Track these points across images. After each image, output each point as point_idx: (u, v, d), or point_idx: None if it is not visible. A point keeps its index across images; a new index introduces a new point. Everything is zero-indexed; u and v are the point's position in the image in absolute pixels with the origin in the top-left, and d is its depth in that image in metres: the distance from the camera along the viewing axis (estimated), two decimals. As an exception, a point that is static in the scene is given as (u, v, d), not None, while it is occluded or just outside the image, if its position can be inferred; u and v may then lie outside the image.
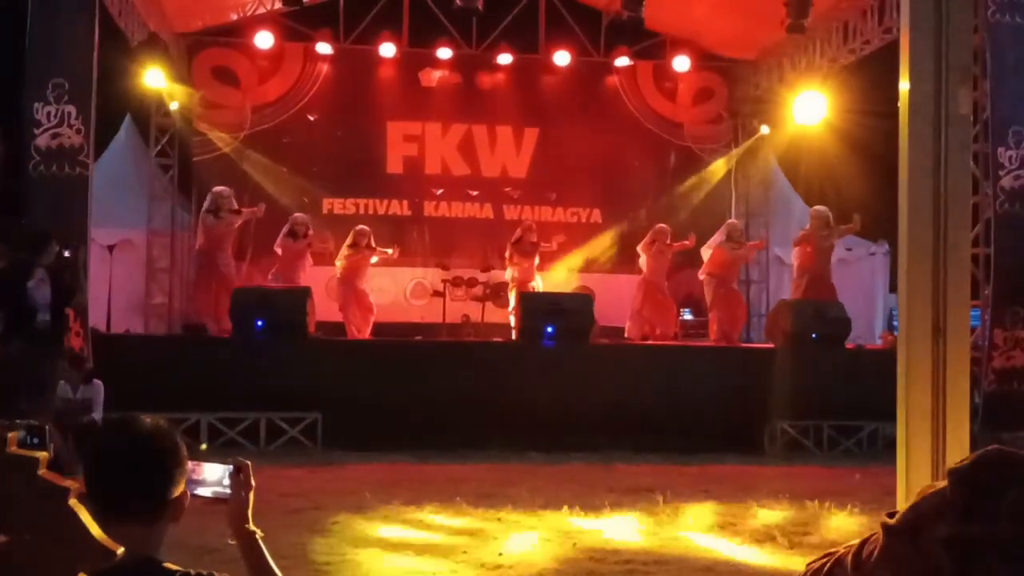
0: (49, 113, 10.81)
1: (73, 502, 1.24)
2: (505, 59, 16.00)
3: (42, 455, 1.25)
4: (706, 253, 14.14)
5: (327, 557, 6.46)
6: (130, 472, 2.15)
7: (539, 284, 14.15)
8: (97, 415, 9.29)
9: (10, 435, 1.22)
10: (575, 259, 15.64)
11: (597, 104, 16.42)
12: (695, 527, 7.64)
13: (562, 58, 16.02)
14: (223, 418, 11.01)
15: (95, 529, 1.23)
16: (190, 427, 10.55)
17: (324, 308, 13.24)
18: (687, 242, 14.13)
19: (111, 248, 14.12)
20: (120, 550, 1.27)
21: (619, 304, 14.56)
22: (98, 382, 9.81)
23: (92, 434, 8.19)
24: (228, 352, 11.79)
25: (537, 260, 14.13)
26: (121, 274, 14.30)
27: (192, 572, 2.13)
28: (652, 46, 16.41)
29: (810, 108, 15.26)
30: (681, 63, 16.21)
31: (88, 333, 10.94)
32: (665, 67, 16.41)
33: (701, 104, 16.66)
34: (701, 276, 14.03)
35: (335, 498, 8.37)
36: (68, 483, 1.25)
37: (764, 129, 16.16)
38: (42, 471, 1.23)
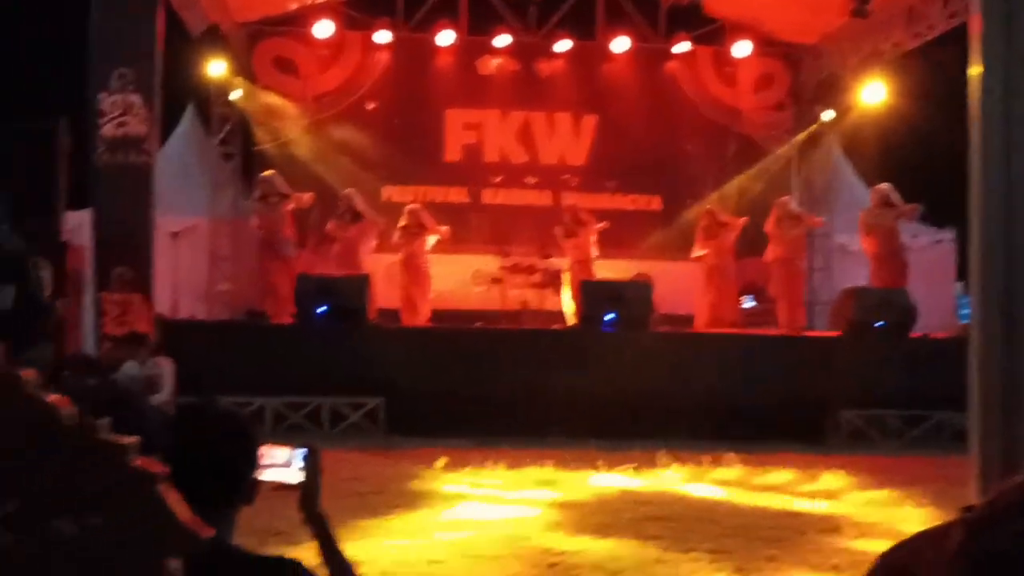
0: (114, 102, 11.00)
1: (163, 487, 1.25)
2: (563, 46, 15.93)
3: (132, 440, 1.27)
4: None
5: (390, 540, 6.51)
6: (207, 456, 2.19)
7: (597, 268, 14.08)
8: (162, 396, 9.40)
9: (101, 422, 1.24)
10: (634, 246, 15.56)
11: (656, 91, 16.30)
12: (757, 514, 7.58)
13: (621, 44, 15.91)
14: (287, 403, 11.14)
15: (184, 514, 1.25)
16: (254, 412, 10.69)
17: (384, 294, 13.33)
18: (737, 221, 14.05)
19: (175, 235, 14.30)
20: (210, 534, 1.28)
21: (678, 291, 14.45)
22: (166, 360, 9.92)
23: (169, 418, 8.27)
24: (291, 338, 11.94)
25: (593, 239, 14.02)
26: (185, 261, 14.48)
27: (282, 558, 2.16)
28: (712, 32, 16.24)
29: (874, 94, 15.04)
30: (741, 49, 16.02)
31: (154, 317, 11.14)
32: (725, 53, 16.22)
33: (762, 90, 16.45)
34: (767, 259, 13.94)
35: (397, 482, 8.44)
36: (158, 468, 1.27)
37: (827, 115, 15.92)
38: (132, 456, 1.25)
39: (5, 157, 10.71)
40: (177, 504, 1.25)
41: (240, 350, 11.65)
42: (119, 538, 1.20)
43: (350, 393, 11.29)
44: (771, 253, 13.86)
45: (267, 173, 13.80)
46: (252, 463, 2.32)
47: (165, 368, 9.61)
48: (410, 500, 7.80)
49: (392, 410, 11.26)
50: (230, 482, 2.24)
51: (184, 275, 14.41)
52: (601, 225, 14.02)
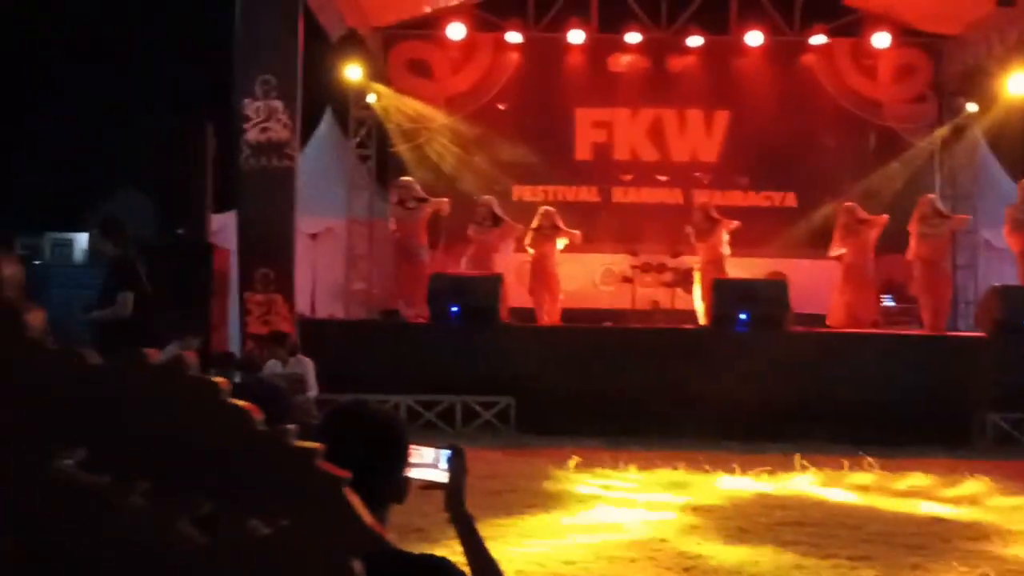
0: (258, 108, 11.39)
1: (347, 491, 1.31)
2: (695, 41, 15.76)
3: (319, 445, 1.33)
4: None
5: (525, 539, 6.57)
6: (361, 455, 2.26)
7: (729, 267, 13.89)
8: (310, 394, 9.73)
9: (290, 427, 1.30)
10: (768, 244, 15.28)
11: (791, 84, 15.99)
12: (899, 520, 7.38)
13: (754, 38, 15.67)
14: (420, 401, 11.34)
15: (367, 517, 1.30)
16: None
17: (516, 294, 13.44)
18: (879, 219, 13.65)
19: (314, 236, 14.70)
20: (387, 536, 1.33)
21: (815, 290, 14.15)
22: (306, 358, 10.25)
23: (312, 416, 8.69)
24: (424, 337, 12.14)
25: (725, 236, 13.82)
26: (323, 261, 14.87)
27: (431, 556, 2.23)
28: (849, 23, 15.86)
29: (1021, 85, 14.44)
30: (881, 39, 15.58)
31: (295, 317, 11.51)
32: (863, 44, 15.80)
33: (903, 82, 15.97)
34: (909, 257, 13.51)
35: (530, 481, 8.51)
36: (343, 472, 1.33)
37: (971, 107, 15.36)
38: (318, 460, 1.31)
39: (156, 163, 11.20)
40: (360, 506, 1.31)
41: (375, 349, 11.93)
42: (308, 539, 1.27)
43: (482, 392, 11.43)
44: (913, 252, 13.41)
45: (405, 179, 14.08)
46: (402, 463, 2.39)
47: (308, 367, 9.91)
48: (543, 500, 7.85)
49: (523, 409, 11.36)
50: (382, 481, 2.31)
51: (322, 275, 14.80)
52: (734, 224, 13.82)
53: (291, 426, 1.30)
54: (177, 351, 7.09)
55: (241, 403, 1.29)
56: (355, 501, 1.31)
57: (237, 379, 8.77)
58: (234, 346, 11.34)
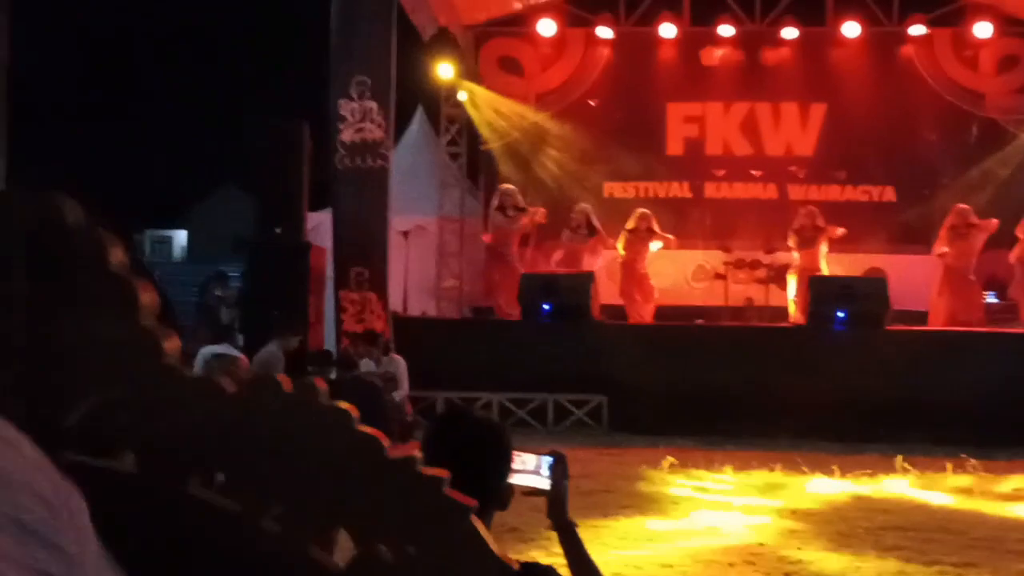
0: (353, 109, 11.54)
1: (474, 519, 1.32)
2: (790, 33, 15.48)
3: (444, 473, 1.34)
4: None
5: (621, 541, 6.55)
6: (466, 461, 2.27)
7: (827, 264, 13.64)
8: (401, 392, 9.83)
9: (417, 454, 1.31)
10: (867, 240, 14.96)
11: (890, 76, 15.60)
12: (1005, 525, 7.18)
13: (851, 29, 15.33)
14: (512, 398, 11.37)
15: (495, 546, 1.31)
16: (481, 407, 10.95)
17: (607, 291, 13.39)
18: (989, 223, 13.25)
19: (406, 234, 14.83)
20: (516, 566, 1.34)
21: (915, 287, 13.82)
22: (398, 356, 10.37)
23: (427, 424, 8.82)
24: (516, 335, 12.18)
25: (825, 248, 13.58)
26: (415, 259, 14.99)
27: (537, 564, 2.23)
28: (949, 13, 15.41)
29: None
30: (983, 29, 15.12)
31: (389, 315, 11.63)
32: (964, 34, 15.35)
33: (1006, 73, 15.46)
34: (1012, 260, 13.09)
35: (625, 482, 8.48)
36: (469, 500, 1.34)
37: (1079, 97, 14.82)
38: (445, 488, 1.32)
39: (255, 162, 11.43)
40: (487, 535, 1.32)
41: (467, 346, 12.00)
42: (435, 567, 1.28)
43: (574, 390, 11.42)
44: (1017, 256, 13.02)
45: (508, 186, 14.18)
46: (506, 470, 2.40)
47: (400, 366, 10.02)
48: (638, 501, 7.82)
49: (615, 408, 11.32)
50: (488, 486, 2.32)
51: (413, 272, 14.92)
52: (839, 233, 13.55)
53: (417, 453, 1.31)
54: (276, 349, 7.23)
55: (370, 430, 1.31)
56: (482, 529, 1.32)
57: (333, 376, 8.92)
58: (329, 344, 11.51)
